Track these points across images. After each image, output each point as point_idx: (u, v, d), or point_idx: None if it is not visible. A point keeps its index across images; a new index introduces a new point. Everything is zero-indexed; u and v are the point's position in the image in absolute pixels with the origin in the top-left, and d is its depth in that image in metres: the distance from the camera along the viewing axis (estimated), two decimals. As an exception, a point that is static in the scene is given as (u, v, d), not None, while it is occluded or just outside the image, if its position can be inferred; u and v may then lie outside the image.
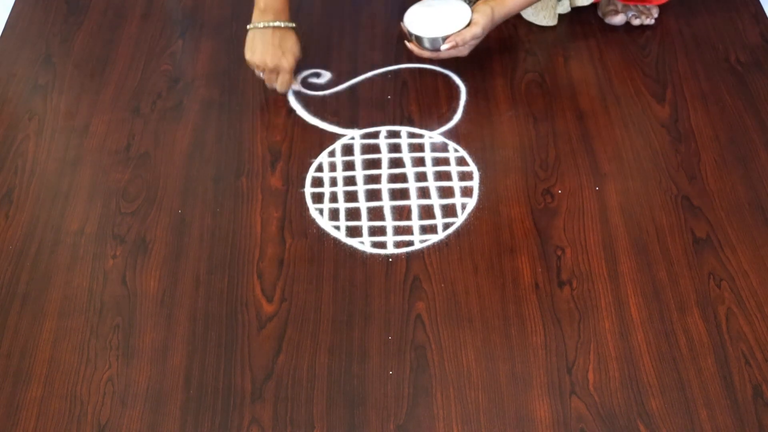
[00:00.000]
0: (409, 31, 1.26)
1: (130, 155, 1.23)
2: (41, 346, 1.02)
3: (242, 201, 1.17)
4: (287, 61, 1.25)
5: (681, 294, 1.05)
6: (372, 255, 1.10)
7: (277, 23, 1.22)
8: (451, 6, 1.26)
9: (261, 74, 1.27)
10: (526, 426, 0.95)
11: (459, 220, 1.14)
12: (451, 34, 1.22)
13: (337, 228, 1.13)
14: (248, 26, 1.24)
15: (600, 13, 1.41)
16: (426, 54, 1.26)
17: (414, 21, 1.26)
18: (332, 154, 1.23)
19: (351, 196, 1.17)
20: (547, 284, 1.07)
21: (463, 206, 1.16)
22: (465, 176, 1.19)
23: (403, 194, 1.17)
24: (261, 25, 1.22)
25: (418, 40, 1.25)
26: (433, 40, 1.23)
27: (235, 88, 1.32)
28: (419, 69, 1.35)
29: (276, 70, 1.25)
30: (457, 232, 1.13)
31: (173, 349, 1.02)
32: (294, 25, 1.24)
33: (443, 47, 1.23)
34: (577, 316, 1.03)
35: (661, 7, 1.44)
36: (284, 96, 1.30)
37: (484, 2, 1.25)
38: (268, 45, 1.23)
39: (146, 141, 1.25)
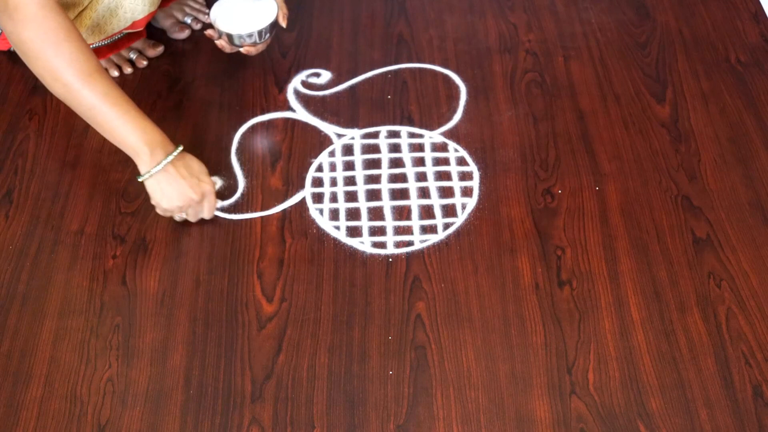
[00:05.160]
0: (219, 30, 1.23)
1: (130, 155, 1.22)
2: (41, 346, 1.02)
3: (242, 201, 1.17)
4: (207, 183, 1.10)
5: (681, 294, 1.05)
6: (372, 255, 1.10)
7: (172, 155, 1.06)
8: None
9: (183, 215, 1.11)
10: (526, 426, 0.95)
11: (459, 220, 1.14)
12: (263, 28, 1.21)
13: (337, 228, 1.13)
14: (141, 177, 1.07)
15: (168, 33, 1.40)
16: (243, 50, 1.24)
17: (221, 17, 1.24)
18: (332, 154, 1.23)
19: (351, 196, 1.17)
20: (547, 284, 1.07)
21: (463, 206, 1.16)
22: (465, 176, 1.19)
23: (403, 194, 1.17)
24: (159, 167, 1.05)
25: (229, 37, 1.23)
26: (247, 36, 1.22)
27: (235, 88, 1.32)
28: (419, 69, 1.35)
29: (201, 200, 1.10)
30: (457, 232, 1.13)
31: (173, 349, 1.02)
32: (182, 146, 1.09)
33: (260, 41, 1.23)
34: (577, 316, 1.04)
35: (661, 7, 1.44)
36: (284, 96, 1.30)
37: None
38: (181, 181, 1.07)
39: (146, 141, 1.25)
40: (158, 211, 1.11)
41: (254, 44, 1.23)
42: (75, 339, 1.03)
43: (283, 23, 1.24)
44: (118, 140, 1.07)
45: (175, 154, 1.07)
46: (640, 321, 1.03)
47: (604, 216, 1.14)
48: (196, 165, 1.10)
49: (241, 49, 1.24)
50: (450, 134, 1.25)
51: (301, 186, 1.19)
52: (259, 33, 1.22)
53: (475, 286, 1.07)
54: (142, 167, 1.07)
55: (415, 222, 1.14)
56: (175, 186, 1.07)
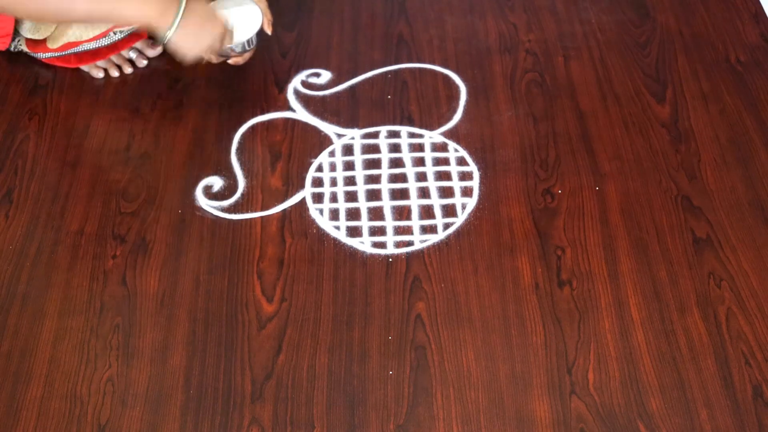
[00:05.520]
0: None
1: (130, 155, 1.23)
2: (41, 346, 1.02)
3: (242, 201, 1.17)
4: (218, 26, 1.15)
5: (681, 294, 1.05)
6: (372, 255, 1.10)
7: (180, 13, 1.10)
8: (241, 8, 1.23)
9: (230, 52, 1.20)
10: (526, 426, 0.95)
11: (459, 220, 1.14)
12: (249, 38, 1.21)
13: (337, 228, 1.13)
14: (163, 40, 1.12)
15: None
16: (231, 62, 1.25)
17: None
18: (332, 154, 1.23)
19: (351, 196, 1.17)
20: (547, 284, 1.07)
21: (463, 206, 1.16)
22: (465, 176, 1.19)
23: (403, 194, 1.17)
24: (171, 30, 1.11)
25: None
26: (234, 47, 1.21)
27: (235, 88, 1.32)
28: (419, 69, 1.35)
29: (217, 40, 1.16)
30: (457, 232, 1.13)
31: (173, 349, 1.02)
32: None
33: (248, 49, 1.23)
34: (577, 316, 1.04)
35: (661, 7, 1.44)
36: (284, 96, 1.30)
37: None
38: (197, 32, 1.13)
39: (146, 141, 1.25)
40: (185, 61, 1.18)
41: (241, 53, 1.23)
42: (75, 339, 1.03)
43: (268, 30, 1.24)
44: (127, 23, 1.17)
45: (182, 8, 1.10)
46: (640, 321, 1.03)
47: (604, 216, 1.14)
48: (201, 9, 1.14)
49: (230, 61, 1.25)
50: (450, 134, 1.25)
51: (301, 186, 1.19)
52: (247, 42, 1.22)
53: (475, 286, 1.07)
54: (159, 33, 1.12)
55: (415, 222, 1.14)
56: (193, 38, 1.14)
